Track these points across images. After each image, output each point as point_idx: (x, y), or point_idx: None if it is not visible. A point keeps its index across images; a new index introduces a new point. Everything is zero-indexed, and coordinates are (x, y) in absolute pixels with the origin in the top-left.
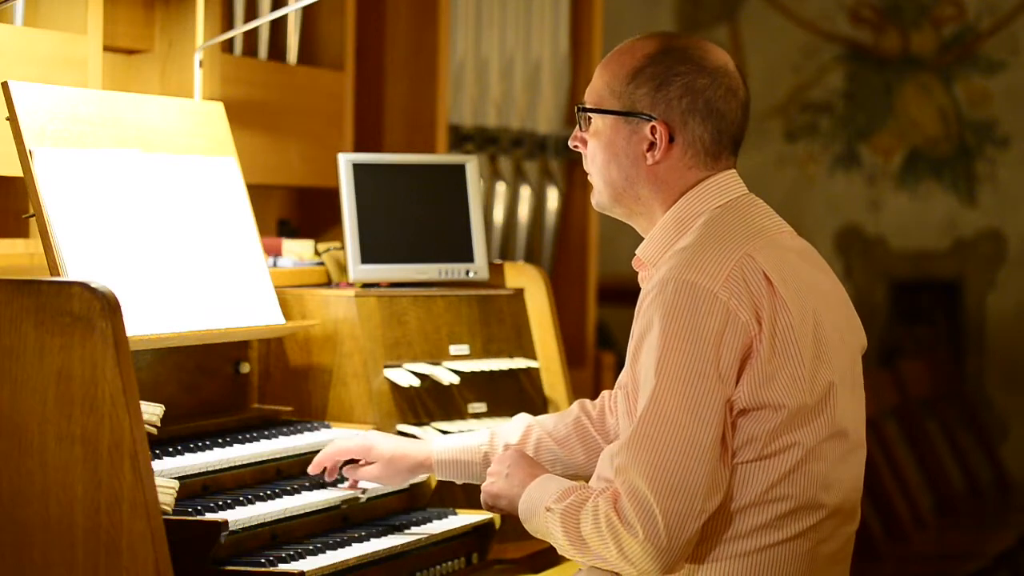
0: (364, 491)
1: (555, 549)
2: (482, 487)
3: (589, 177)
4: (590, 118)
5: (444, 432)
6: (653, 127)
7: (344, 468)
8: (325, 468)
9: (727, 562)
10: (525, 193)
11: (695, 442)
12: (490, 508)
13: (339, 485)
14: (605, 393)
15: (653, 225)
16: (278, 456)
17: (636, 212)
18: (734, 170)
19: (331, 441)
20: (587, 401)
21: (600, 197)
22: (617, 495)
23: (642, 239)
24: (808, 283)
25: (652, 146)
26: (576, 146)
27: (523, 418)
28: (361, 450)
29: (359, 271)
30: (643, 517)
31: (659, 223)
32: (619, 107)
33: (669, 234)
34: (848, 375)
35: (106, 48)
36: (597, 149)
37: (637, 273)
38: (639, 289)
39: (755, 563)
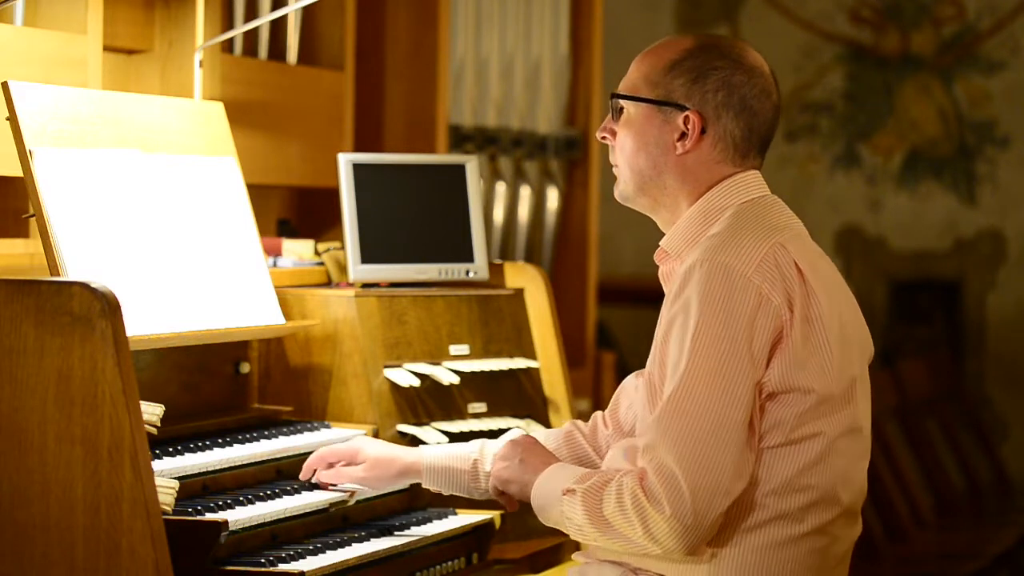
0: (352, 493)
1: (555, 550)
2: (492, 471)
3: (614, 169)
4: (622, 109)
5: (445, 432)
6: (686, 117)
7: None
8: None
9: (750, 552)
10: (525, 193)
11: (725, 420)
12: (499, 494)
13: (328, 488)
14: (597, 414)
15: (676, 218)
16: (278, 456)
17: (660, 204)
18: (759, 171)
19: (327, 442)
20: (578, 421)
21: (625, 187)
22: (644, 473)
23: (659, 233)
24: (833, 282)
25: (683, 136)
26: (604, 137)
27: (515, 432)
28: (349, 453)
29: (359, 271)
30: (670, 493)
31: (685, 215)
32: (654, 96)
33: (695, 225)
34: (864, 376)
35: (106, 48)
36: (627, 138)
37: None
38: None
39: (777, 555)
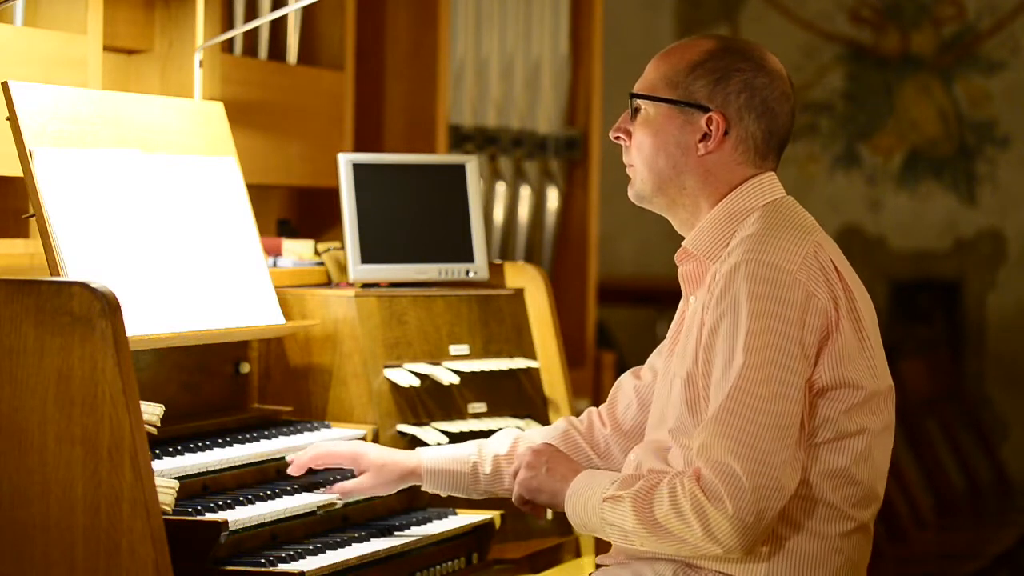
0: (340, 495)
1: (555, 550)
2: (517, 481)
3: (628, 169)
4: (639, 108)
5: (445, 432)
6: (710, 118)
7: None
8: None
9: (805, 546)
10: (525, 193)
11: (781, 418)
12: (524, 504)
13: (319, 489)
14: (591, 410)
15: (695, 217)
16: (278, 456)
17: (679, 204)
18: (775, 173)
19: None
20: (572, 418)
21: (642, 187)
22: (699, 473)
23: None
24: (860, 282)
25: (705, 137)
26: (618, 137)
27: (509, 431)
28: (350, 458)
29: (359, 271)
30: (732, 491)
31: (709, 216)
32: (676, 97)
33: (722, 226)
34: None
35: (106, 48)
36: (645, 137)
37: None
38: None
39: (829, 551)
